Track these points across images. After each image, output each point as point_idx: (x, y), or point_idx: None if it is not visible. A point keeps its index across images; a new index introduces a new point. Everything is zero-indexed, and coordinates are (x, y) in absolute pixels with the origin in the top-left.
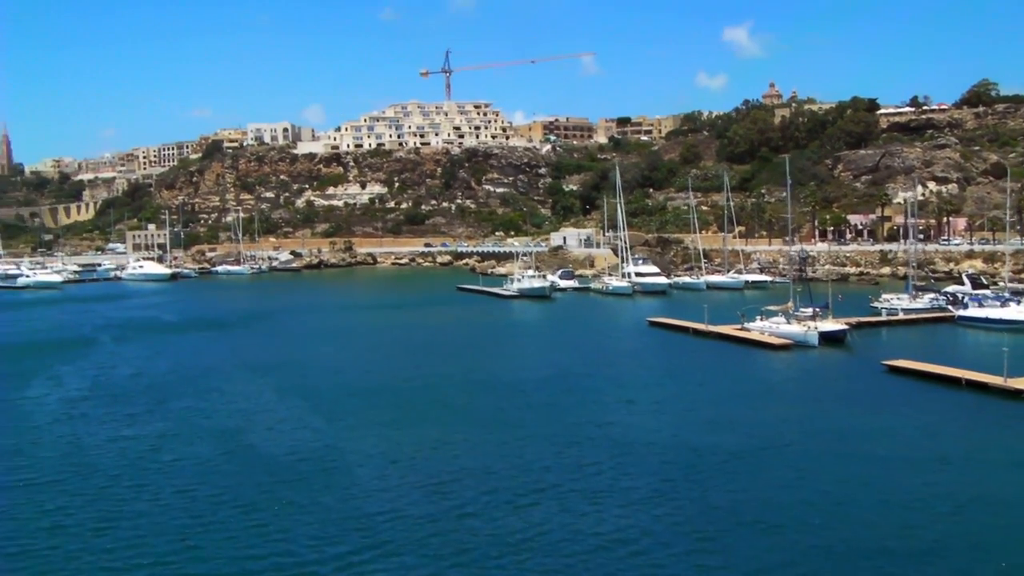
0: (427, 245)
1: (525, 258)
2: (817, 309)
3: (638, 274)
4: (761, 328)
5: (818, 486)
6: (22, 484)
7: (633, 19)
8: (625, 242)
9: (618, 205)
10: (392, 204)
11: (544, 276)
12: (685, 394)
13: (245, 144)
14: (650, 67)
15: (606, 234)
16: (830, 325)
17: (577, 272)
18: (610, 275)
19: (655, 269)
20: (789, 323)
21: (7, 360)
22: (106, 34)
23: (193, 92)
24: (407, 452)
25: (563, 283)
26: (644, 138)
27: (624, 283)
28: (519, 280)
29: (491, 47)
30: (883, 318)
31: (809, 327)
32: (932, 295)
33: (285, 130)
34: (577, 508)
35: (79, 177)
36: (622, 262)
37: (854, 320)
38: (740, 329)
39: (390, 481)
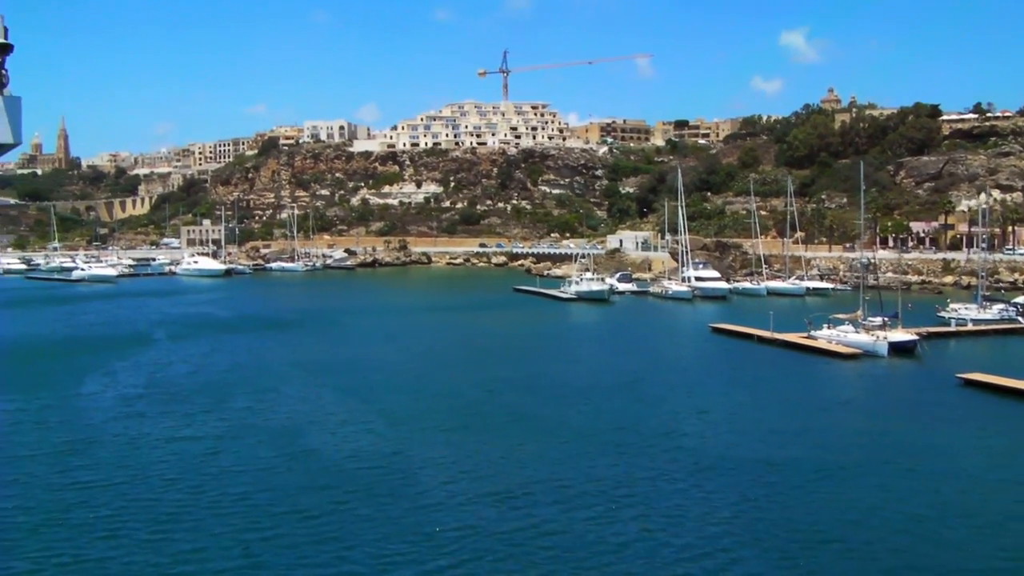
0: (482, 245)
1: (583, 260)
2: (886, 318)
3: (698, 278)
4: (828, 336)
5: (905, 506)
6: (75, 486)
7: (689, 22)
8: (686, 246)
9: (679, 208)
10: (447, 204)
11: (603, 279)
12: (757, 404)
13: (301, 141)
14: (705, 70)
15: (664, 238)
16: (900, 335)
17: (635, 275)
18: (669, 279)
19: (715, 274)
20: (858, 332)
21: (62, 356)
22: (163, 31)
23: (248, 89)
24: (474, 460)
25: (621, 286)
26: (702, 141)
27: (684, 287)
28: (577, 282)
29: (546, 48)
30: (952, 328)
31: (878, 337)
32: (1001, 305)
33: (341, 128)
34: (656, 525)
35: (135, 172)
36: (682, 266)
37: (924, 331)
38: (806, 337)
39: (459, 492)
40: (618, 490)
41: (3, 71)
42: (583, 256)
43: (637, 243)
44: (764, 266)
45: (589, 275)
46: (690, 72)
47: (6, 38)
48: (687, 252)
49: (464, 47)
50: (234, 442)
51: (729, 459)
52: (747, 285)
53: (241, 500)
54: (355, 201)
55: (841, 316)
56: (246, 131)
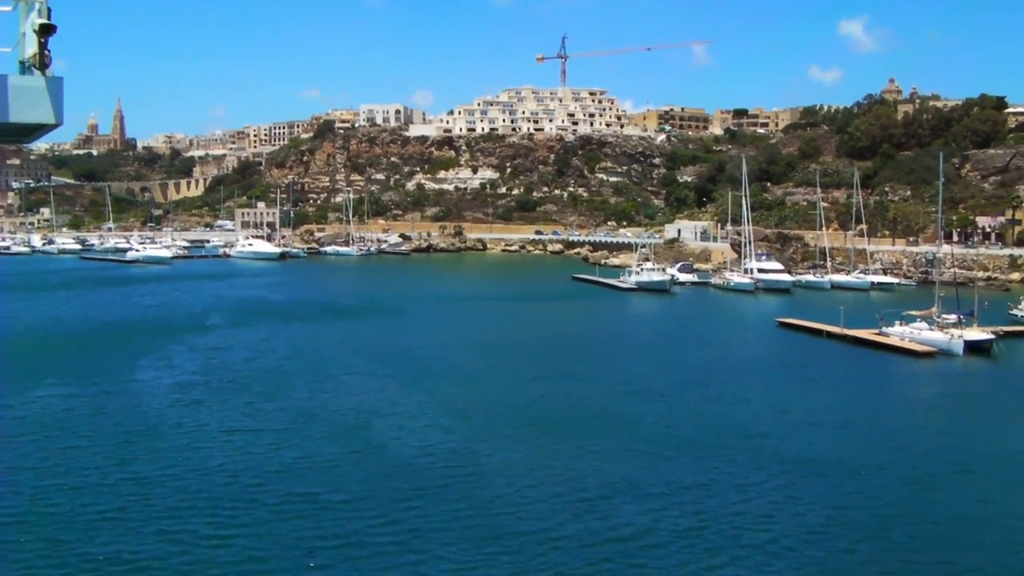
0: (538, 233)
1: (644, 249)
2: (961, 316)
3: (761, 270)
4: (901, 334)
5: (1012, 520)
6: (131, 479)
7: (745, 10)
8: (749, 237)
9: (742, 199)
10: (503, 190)
11: (664, 269)
12: (835, 404)
13: (357, 125)
14: (762, 59)
15: (724, 228)
16: (976, 333)
17: (694, 266)
18: (731, 270)
19: (779, 266)
20: (932, 329)
21: (118, 339)
22: (218, 14)
23: (302, 73)
24: (547, 460)
25: (682, 277)
26: (760, 131)
27: (746, 279)
28: (638, 272)
29: (599, 35)
30: None
31: (953, 335)
32: None
33: (397, 112)
34: (746, 539)
35: (190, 153)
36: (745, 257)
37: (1000, 329)
38: (878, 334)
39: (534, 495)
40: (704, 497)
41: (46, 51)
42: (643, 246)
43: (696, 233)
44: (825, 259)
45: (650, 265)
46: (746, 61)
47: (49, 19)
48: (750, 243)
49: (518, 33)
50: (296, 435)
51: (814, 463)
52: (810, 278)
53: (306, 499)
54: (410, 186)
55: (914, 313)
56: (300, 114)
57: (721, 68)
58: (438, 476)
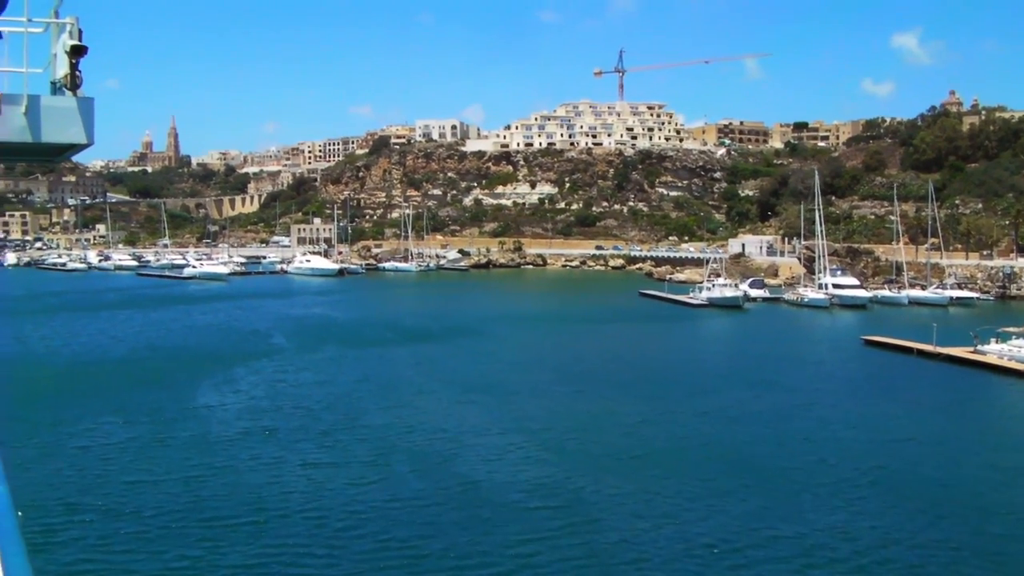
0: (598, 248)
1: (714, 265)
2: None
3: (836, 286)
4: (999, 352)
5: None
6: (204, 523)
7: (797, 24)
8: (822, 251)
9: (814, 212)
10: (562, 204)
11: (736, 285)
12: (957, 433)
13: (412, 140)
14: (814, 73)
15: (791, 242)
16: None
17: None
18: (805, 286)
19: (854, 281)
20: None
21: (179, 362)
22: (270, 31)
23: (353, 90)
24: (660, 501)
25: (753, 292)
26: (821, 144)
27: (821, 295)
28: (709, 288)
29: (649, 49)
30: None
31: None
32: None
33: (453, 127)
34: None
35: (244, 170)
36: (818, 272)
37: None
38: (973, 352)
39: (655, 540)
40: (841, 542)
41: (77, 72)
42: (714, 261)
43: (761, 248)
44: (901, 274)
45: (722, 280)
46: (798, 74)
47: (80, 40)
48: (824, 257)
49: (569, 48)
50: (380, 470)
51: (959, 503)
52: (886, 293)
53: (401, 548)
54: (468, 201)
55: (1011, 330)
56: (352, 130)
57: (773, 82)
58: (543, 518)
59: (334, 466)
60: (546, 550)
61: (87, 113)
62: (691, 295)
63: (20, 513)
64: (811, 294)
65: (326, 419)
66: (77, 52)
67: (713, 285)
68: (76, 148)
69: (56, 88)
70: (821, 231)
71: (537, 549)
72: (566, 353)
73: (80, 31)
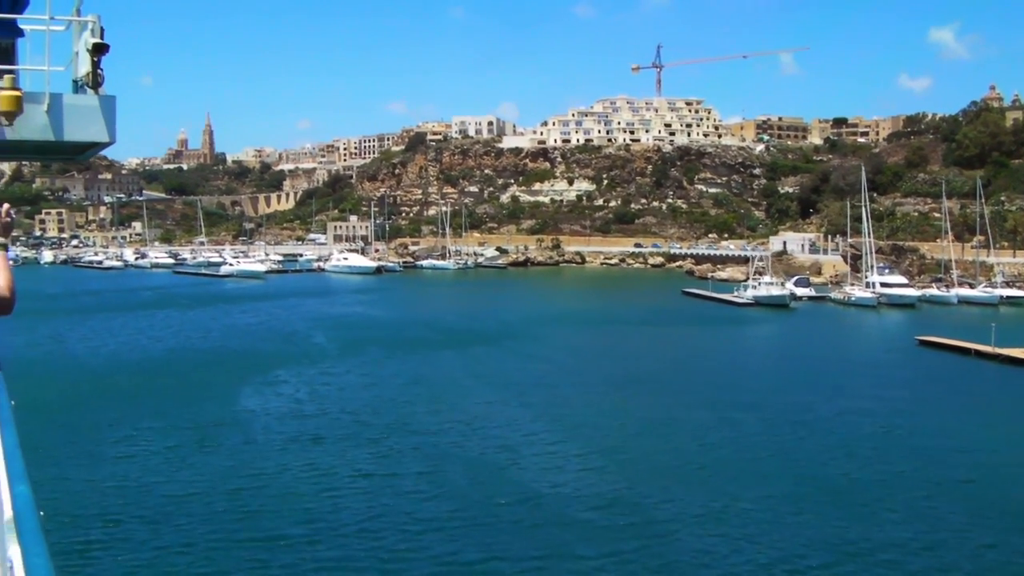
0: (637, 246)
1: (760, 263)
2: None
3: (883, 284)
4: None
5: None
6: (254, 541)
7: (831, 18)
8: (869, 249)
9: (863, 209)
10: (600, 202)
11: (782, 283)
12: None
13: (448, 137)
14: (849, 68)
15: (834, 240)
16: None
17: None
18: (852, 284)
19: (902, 279)
20: None
21: (220, 365)
22: (301, 29)
23: (387, 86)
24: (736, 516)
25: (799, 291)
26: (861, 140)
27: (868, 294)
28: (755, 287)
29: (685, 44)
30: None
31: None
32: None
33: (490, 123)
34: None
35: (279, 167)
36: (865, 270)
37: None
38: None
39: (734, 562)
40: (929, 563)
41: (99, 70)
42: (760, 259)
43: (803, 245)
44: (949, 272)
45: (768, 279)
46: (833, 69)
47: (102, 38)
48: (871, 255)
49: (604, 44)
50: (436, 481)
51: None
52: (934, 292)
53: (468, 571)
54: (504, 198)
55: None
56: (386, 127)
57: (808, 77)
58: (613, 535)
59: (387, 477)
60: (620, 572)
61: (109, 111)
62: (736, 294)
63: (42, 512)
64: (858, 293)
65: (375, 425)
66: (99, 50)
67: (759, 283)
68: (98, 146)
69: (78, 86)
70: (868, 228)
71: (608, 568)
72: (615, 355)
73: (102, 29)
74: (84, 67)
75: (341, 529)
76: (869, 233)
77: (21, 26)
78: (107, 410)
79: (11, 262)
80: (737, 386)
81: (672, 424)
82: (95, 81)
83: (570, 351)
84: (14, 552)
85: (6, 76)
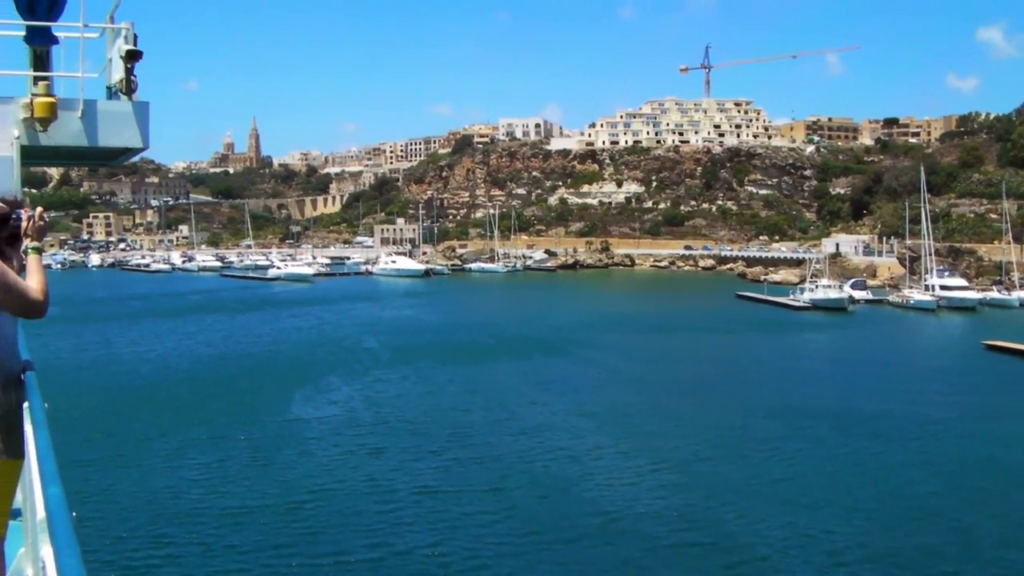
0: (687, 248)
1: (817, 266)
2: None
3: (943, 287)
4: None
5: None
6: (306, 560)
7: (877, 18)
8: (928, 251)
9: (922, 210)
10: (649, 204)
11: (840, 286)
12: None
13: (496, 139)
14: (896, 67)
15: (888, 241)
16: None
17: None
18: (910, 287)
19: (963, 282)
20: None
21: (272, 370)
22: (346, 31)
23: (431, 89)
24: (816, 534)
25: (855, 294)
26: (912, 140)
27: (927, 297)
28: (811, 289)
29: (729, 45)
30: None
31: None
32: None
33: (537, 125)
34: None
35: (326, 170)
36: (924, 273)
37: None
38: None
39: None
40: None
41: (132, 77)
42: (816, 261)
43: (857, 247)
44: (1009, 274)
45: (825, 281)
46: (880, 69)
47: (135, 45)
48: (930, 257)
49: (649, 45)
50: (506, 499)
51: None
52: (995, 295)
53: None
54: (552, 200)
55: None
56: (430, 130)
57: (855, 77)
58: (697, 558)
59: (453, 493)
60: None
61: (142, 117)
62: (792, 297)
63: (75, 514)
64: (917, 296)
65: (435, 436)
66: (132, 57)
67: (816, 286)
68: (132, 152)
69: (112, 93)
70: (927, 230)
71: None
72: (674, 361)
73: (135, 36)
74: (118, 73)
75: (409, 553)
76: (928, 235)
77: (56, 33)
78: (156, 419)
79: (59, 265)
80: (805, 393)
81: (742, 434)
82: (128, 87)
83: (627, 356)
84: (47, 552)
85: (41, 83)
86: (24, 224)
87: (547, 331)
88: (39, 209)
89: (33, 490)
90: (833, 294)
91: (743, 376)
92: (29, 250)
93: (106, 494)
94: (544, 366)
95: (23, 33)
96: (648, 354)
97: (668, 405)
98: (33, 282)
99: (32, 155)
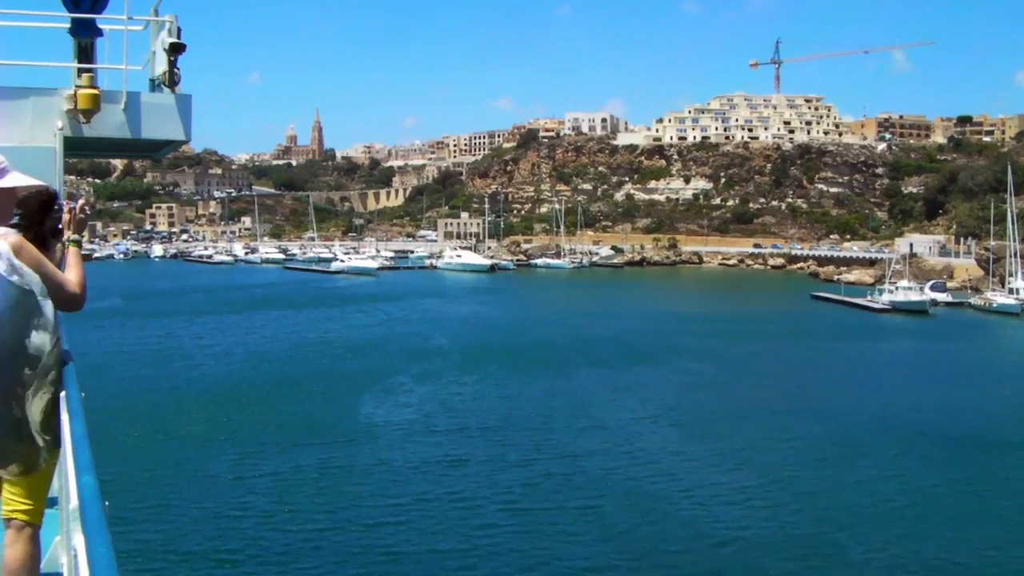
0: (756, 246)
1: (897, 266)
2: None
3: None
4: None
5: None
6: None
7: (943, 14)
8: (1013, 253)
9: (1008, 210)
10: (718, 200)
11: (921, 288)
12: None
13: (561, 134)
14: (965, 64)
15: (965, 242)
16: None
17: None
18: (993, 290)
19: None
20: None
21: (341, 369)
22: (408, 25)
23: (491, 83)
24: (942, 566)
25: (936, 296)
26: (987, 139)
27: (1011, 300)
28: (891, 291)
29: (792, 40)
30: None
31: None
32: None
33: (603, 120)
34: None
35: (388, 163)
36: (1008, 275)
37: None
38: None
39: None
40: None
41: (176, 69)
42: (896, 262)
43: (932, 248)
44: None
45: (905, 283)
46: (948, 66)
47: (179, 38)
48: (1014, 259)
49: (713, 40)
50: (603, 521)
51: None
52: None
53: None
54: (619, 196)
55: None
56: (491, 124)
57: (922, 73)
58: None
59: (543, 512)
60: None
61: (185, 110)
62: (871, 298)
63: (107, 503)
64: (1000, 299)
65: (518, 446)
66: (175, 50)
67: (896, 288)
68: (174, 144)
69: (155, 85)
70: (1012, 231)
71: None
72: (759, 365)
73: (179, 29)
74: (161, 66)
75: (477, 554)
76: (1014, 236)
77: (100, 26)
78: (222, 422)
79: (122, 255)
80: (908, 406)
81: (844, 449)
82: (172, 80)
83: (708, 359)
84: (78, 541)
85: (85, 75)
86: (65, 216)
87: (621, 331)
88: (80, 201)
89: (68, 479)
90: (914, 296)
91: (834, 383)
92: (69, 242)
93: (165, 508)
94: (623, 369)
95: (68, 26)
96: (730, 357)
97: (759, 414)
98: (72, 275)
99: (75, 146)
